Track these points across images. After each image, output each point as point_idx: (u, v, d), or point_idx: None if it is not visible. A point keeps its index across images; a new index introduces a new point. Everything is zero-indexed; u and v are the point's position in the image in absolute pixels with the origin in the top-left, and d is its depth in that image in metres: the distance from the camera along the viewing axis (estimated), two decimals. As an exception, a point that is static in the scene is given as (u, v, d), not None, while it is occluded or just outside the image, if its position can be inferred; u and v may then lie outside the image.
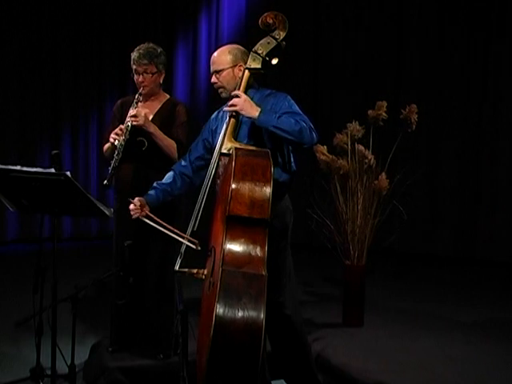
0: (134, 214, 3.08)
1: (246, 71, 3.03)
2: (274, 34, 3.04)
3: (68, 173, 2.98)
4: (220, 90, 3.14)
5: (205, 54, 7.92)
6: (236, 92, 2.97)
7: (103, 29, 7.87)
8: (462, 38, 6.97)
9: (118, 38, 7.78)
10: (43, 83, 7.65)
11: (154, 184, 3.21)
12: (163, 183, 3.21)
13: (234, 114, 2.97)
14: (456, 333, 4.38)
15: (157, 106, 3.69)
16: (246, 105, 2.92)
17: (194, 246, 2.89)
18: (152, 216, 3.05)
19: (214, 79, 3.13)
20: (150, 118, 3.60)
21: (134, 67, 3.60)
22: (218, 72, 3.11)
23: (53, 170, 3.03)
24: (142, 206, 3.09)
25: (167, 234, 3.04)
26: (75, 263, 6.25)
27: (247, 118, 2.94)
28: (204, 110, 7.37)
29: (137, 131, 3.50)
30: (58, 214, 3.22)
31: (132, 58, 3.60)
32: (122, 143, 3.43)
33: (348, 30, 7.47)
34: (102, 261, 4.07)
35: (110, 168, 3.42)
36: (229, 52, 3.12)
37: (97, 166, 7.88)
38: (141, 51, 3.58)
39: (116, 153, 3.43)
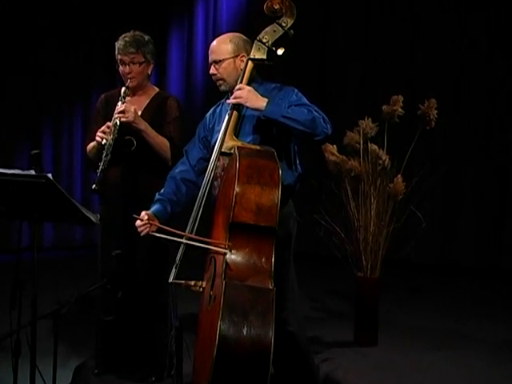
0: (143, 231, 2.98)
1: (250, 62, 3.01)
2: (280, 22, 3.03)
3: (49, 175, 2.97)
4: (219, 83, 3.12)
5: (201, 43, 7.92)
6: (238, 85, 2.96)
7: (90, 15, 7.86)
8: (483, 26, 6.97)
9: (106, 25, 7.77)
10: (22, 73, 7.64)
11: (157, 196, 3.14)
12: (167, 193, 3.15)
13: (235, 107, 2.95)
14: (479, 353, 4.37)
15: (145, 100, 3.68)
16: (250, 95, 2.91)
17: (227, 251, 2.70)
18: (165, 228, 2.90)
19: (212, 70, 3.12)
20: (139, 113, 3.59)
21: (119, 57, 3.59)
22: (217, 62, 3.09)
23: (32, 172, 3.02)
24: (150, 220, 2.99)
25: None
26: (57, 275, 6.23)
27: (253, 109, 2.93)
28: (200, 105, 7.35)
29: (124, 129, 3.49)
30: (38, 221, 3.20)
31: (117, 47, 3.59)
32: (111, 142, 3.41)
33: (359, 18, 7.46)
34: (87, 272, 4.06)
35: (98, 171, 3.40)
36: (230, 41, 3.11)
37: (81, 168, 7.87)
38: (126, 39, 3.58)
39: (104, 154, 3.41)
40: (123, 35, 3.62)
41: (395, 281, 5.98)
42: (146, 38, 3.65)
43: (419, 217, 4.62)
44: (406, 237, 4.84)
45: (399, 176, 4.47)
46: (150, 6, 8.07)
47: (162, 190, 3.17)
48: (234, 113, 2.96)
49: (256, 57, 3.01)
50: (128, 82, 3.57)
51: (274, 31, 3.03)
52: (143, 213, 3.01)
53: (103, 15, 7.88)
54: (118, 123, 3.43)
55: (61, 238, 7.85)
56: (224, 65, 3.08)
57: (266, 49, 3.01)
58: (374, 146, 4.48)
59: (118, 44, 3.59)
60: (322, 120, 2.91)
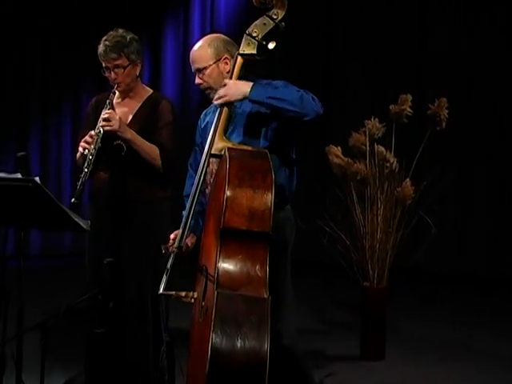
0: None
1: (239, 58, 2.99)
2: (270, 14, 3.00)
3: (37, 178, 2.97)
4: (207, 92, 3.11)
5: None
6: (225, 81, 2.97)
7: (80, 9, 7.87)
8: (495, 22, 6.97)
9: (97, 20, 7.77)
10: (7, 69, 7.64)
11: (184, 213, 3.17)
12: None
13: (224, 105, 2.95)
14: (493, 367, 4.37)
15: (137, 103, 3.67)
16: (232, 90, 2.90)
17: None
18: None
19: (197, 80, 3.12)
20: (130, 117, 3.59)
21: (102, 64, 3.58)
22: (200, 71, 3.10)
23: (19, 175, 3.02)
24: (172, 240, 3.05)
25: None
26: (45, 284, 6.24)
27: (240, 100, 2.92)
28: (196, 107, 7.33)
29: (113, 134, 3.48)
30: (24, 227, 3.20)
31: (98, 52, 3.57)
32: (93, 153, 3.38)
33: (366, 11, 7.47)
34: (76, 281, 4.05)
35: (78, 183, 3.39)
36: (208, 45, 3.10)
37: (70, 171, 7.86)
38: (107, 43, 3.54)
39: (85, 165, 3.38)
40: (104, 37, 3.58)
41: (403, 291, 5.98)
42: (129, 37, 3.59)
43: (429, 223, 4.62)
44: (414, 244, 4.85)
45: (408, 179, 4.47)
46: (143, 1, 8.07)
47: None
48: (224, 112, 2.96)
49: (246, 52, 2.98)
50: (115, 87, 3.57)
51: (265, 24, 3.00)
52: (173, 234, 3.08)
53: (95, 7, 7.88)
54: (102, 132, 3.42)
55: (48, 245, 7.84)
56: (208, 72, 3.08)
57: (256, 43, 2.97)
58: (381, 148, 4.49)
59: (99, 49, 3.55)
60: (310, 98, 2.89)
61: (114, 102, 3.62)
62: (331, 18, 7.67)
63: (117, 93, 3.60)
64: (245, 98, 2.90)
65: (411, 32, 7.27)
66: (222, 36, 3.16)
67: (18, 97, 7.75)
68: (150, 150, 3.52)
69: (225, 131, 2.95)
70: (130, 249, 3.51)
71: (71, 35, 7.86)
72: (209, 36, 3.19)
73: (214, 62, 3.07)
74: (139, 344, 3.63)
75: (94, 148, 3.38)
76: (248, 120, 3.01)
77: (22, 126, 7.80)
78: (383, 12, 7.40)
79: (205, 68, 3.08)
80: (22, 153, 3.19)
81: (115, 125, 3.40)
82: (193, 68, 3.13)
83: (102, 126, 3.40)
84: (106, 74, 3.58)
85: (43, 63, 7.80)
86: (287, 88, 2.93)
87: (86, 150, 3.40)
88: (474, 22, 7.08)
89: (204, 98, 3.13)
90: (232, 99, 2.92)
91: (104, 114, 3.43)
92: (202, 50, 3.10)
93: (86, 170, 3.37)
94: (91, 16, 7.83)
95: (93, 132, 3.42)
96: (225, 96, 2.92)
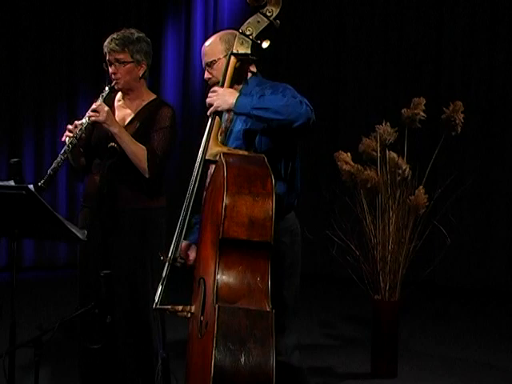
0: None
1: (232, 58, 3.01)
2: (264, 11, 3.02)
3: (31, 186, 2.98)
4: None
5: (200, 42, 7.92)
6: (214, 88, 2.99)
7: (75, 9, 7.89)
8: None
9: (94, 21, 7.81)
10: (1, 71, 7.66)
11: (193, 220, 3.15)
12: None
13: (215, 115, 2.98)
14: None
15: (138, 106, 3.69)
16: (220, 98, 2.93)
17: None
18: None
19: (207, 74, 3.15)
20: (129, 119, 3.62)
21: (106, 56, 3.62)
22: (209, 65, 3.12)
23: (12, 183, 3.03)
24: (183, 252, 3.09)
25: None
26: (39, 298, 6.24)
27: (226, 110, 2.96)
28: (198, 113, 7.34)
29: (107, 136, 3.50)
30: (18, 237, 3.21)
31: (104, 43, 3.62)
32: (73, 141, 3.43)
33: (377, 10, 7.48)
34: (71, 295, 4.06)
35: (50, 169, 3.43)
36: (220, 39, 3.12)
37: (66, 178, 7.88)
38: (114, 36, 3.60)
39: (62, 151, 3.44)
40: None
41: (417, 304, 5.97)
42: (138, 35, 3.62)
43: (443, 233, 4.61)
44: (428, 255, 4.85)
45: (421, 187, 4.46)
46: (142, 1, 8.10)
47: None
48: (217, 119, 2.97)
49: (239, 51, 3.00)
50: (113, 83, 3.59)
51: (258, 22, 3.02)
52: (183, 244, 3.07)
53: (91, 8, 7.90)
54: (87, 122, 3.45)
55: (42, 257, 7.83)
56: (217, 66, 3.10)
57: (250, 42, 3.00)
58: (393, 154, 4.48)
59: (105, 42, 3.61)
60: (298, 103, 2.87)
61: (116, 104, 3.68)
62: (341, 20, 7.67)
63: (119, 94, 3.63)
64: (231, 109, 2.93)
65: (424, 34, 7.27)
66: (236, 32, 3.17)
67: (11, 100, 7.76)
68: (137, 150, 3.52)
69: (219, 136, 2.97)
70: (118, 256, 3.52)
71: (70, 35, 7.89)
72: (222, 31, 3.23)
73: (225, 56, 3.09)
74: (136, 361, 3.63)
75: (75, 137, 3.43)
76: (244, 124, 3.02)
77: (15, 130, 7.81)
78: (395, 13, 7.40)
79: (214, 61, 3.11)
80: (16, 159, 3.20)
81: (102, 116, 3.45)
82: (203, 62, 3.16)
83: (89, 116, 3.45)
84: (108, 69, 3.61)
85: (39, 65, 7.81)
86: (274, 95, 2.93)
87: (68, 138, 3.45)
88: (491, 19, 7.08)
89: (205, 105, 3.13)
90: (219, 109, 2.95)
91: (94, 104, 3.47)
92: (213, 43, 3.14)
93: (61, 157, 3.43)
94: (91, 16, 7.86)
95: (77, 121, 3.47)
96: (212, 105, 2.94)
